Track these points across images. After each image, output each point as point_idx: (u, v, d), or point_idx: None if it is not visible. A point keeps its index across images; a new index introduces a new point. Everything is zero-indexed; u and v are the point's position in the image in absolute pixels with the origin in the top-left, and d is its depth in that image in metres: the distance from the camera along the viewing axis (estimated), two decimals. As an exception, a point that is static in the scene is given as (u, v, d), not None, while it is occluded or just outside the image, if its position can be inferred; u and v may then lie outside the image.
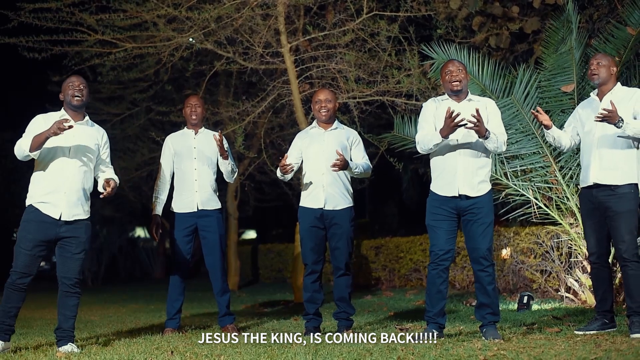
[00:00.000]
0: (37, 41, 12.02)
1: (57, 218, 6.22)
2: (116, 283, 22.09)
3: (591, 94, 6.90)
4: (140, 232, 33.10)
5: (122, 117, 17.76)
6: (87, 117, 6.48)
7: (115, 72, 13.72)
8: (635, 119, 6.50)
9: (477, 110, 6.27)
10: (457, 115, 6.21)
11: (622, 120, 6.34)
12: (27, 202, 6.30)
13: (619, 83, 6.76)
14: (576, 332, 6.60)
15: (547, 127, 6.84)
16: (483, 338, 6.23)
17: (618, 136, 6.52)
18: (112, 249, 24.92)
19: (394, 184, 23.51)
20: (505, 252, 11.90)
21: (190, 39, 12.22)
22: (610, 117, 6.32)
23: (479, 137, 6.34)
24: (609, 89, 6.72)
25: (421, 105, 10.62)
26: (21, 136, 6.27)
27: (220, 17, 11.48)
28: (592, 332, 6.55)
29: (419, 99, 11.49)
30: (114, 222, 25.38)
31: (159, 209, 7.85)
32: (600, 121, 6.43)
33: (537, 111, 6.86)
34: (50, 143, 6.20)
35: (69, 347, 6.20)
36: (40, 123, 6.31)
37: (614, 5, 11.59)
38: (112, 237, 25.10)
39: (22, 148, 6.18)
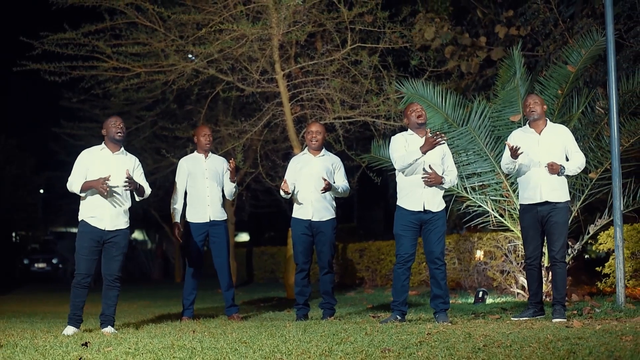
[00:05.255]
0: (57, 66, 13.58)
1: (103, 229, 7.90)
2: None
3: (527, 125, 8.51)
4: (137, 235, 34.41)
5: (128, 130, 19.25)
6: (122, 148, 8.13)
7: (126, 93, 15.25)
8: (567, 156, 8.26)
9: (430, 166, 7.93)
10: (436, 133, 7.88)
11: (564, 168, 8.13)
12: (80, 218, 7.99)
13: (547, 119, 8.43)
14: (512, 319, 8.25)
15: (517, 157, 8.24)
16: (435, 322, 7.88)
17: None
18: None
19: (380, 191, 24.92)
20: (479, 254, 13.51)
21: (192, 57, 13.79)
22: (555, 171, 8.08)
23: (437, 185, 8.00)
24: (543, 124, 8.37)
25: (399, 126, 12.32)
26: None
27: (222, 49, 13.09)
28: (524, 319, 8.18)
29: (396, 120, 13.06)
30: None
31: (178, 218, 9.46)
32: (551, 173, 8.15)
33: (512, 146, 8.22)
34: (95, 173, 7.87)
35: (109, 329, 7.88)
36: (85, 158, 8.01)
37: (566, 39, 13.25)
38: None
39: (73, 189, 7.91)
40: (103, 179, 7.72)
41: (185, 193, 9.56)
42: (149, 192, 8.29)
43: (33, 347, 6.29)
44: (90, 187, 7.82)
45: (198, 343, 6.22)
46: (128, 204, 8.09)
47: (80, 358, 5.58)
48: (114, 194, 7.94)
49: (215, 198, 9.47)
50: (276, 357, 5.45)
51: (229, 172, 9.42)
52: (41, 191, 35.83)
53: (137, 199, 8.24)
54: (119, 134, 8.00)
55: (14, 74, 14.17)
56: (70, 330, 7.80)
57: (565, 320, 7.79)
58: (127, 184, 7.84)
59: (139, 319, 9.87)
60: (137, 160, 8.29)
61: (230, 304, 9.52)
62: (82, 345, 6.28)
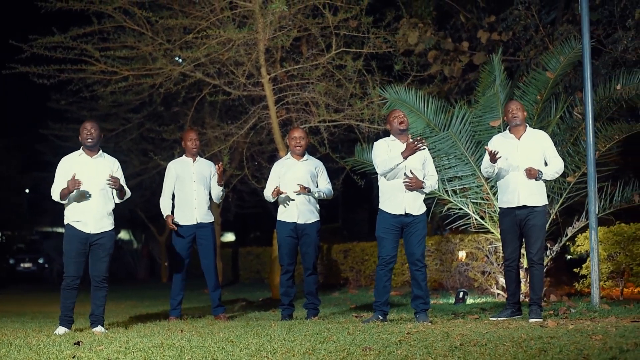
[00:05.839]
0: (46, 69, 13.75)
1: (88, 232, 8.12)
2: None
3: (507, 130, 8.77)
4: (123, 235, 34.55)
5: (116, 132, 19.47)
6: (100, 151, 8.33)
7: (114, 95, 15.45)
8: (545, 161, 8.53)
9: (412, 171, 8.19)
10: (416, 139, 8.16)
11: (542, 173, 8.40)
12: (65, 222, 8.23)
13: (527, 124, 8.69)
14: (490, 319, 8.51)
15: (496, 162, 8.50)
16: (416, 322, 8.14)
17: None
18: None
19: (364, 193, 25.17)
20: (462, 255, 13.77)
21: (179, 60, 14.00)
22: (532, 176, 8.34)
23: (418, 189, 8.25)
24: (523, 129, 8.63)
25: (382, 129, 12.55)
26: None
27: (208, 53, 13.31)
28: (502, 319, 8.44)
29: (380, 124, 13.31)
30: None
31: (168, 211, 9.69)
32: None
33: (491, 151, 8.48)
34: (77, 177, 8.03)
35: (99, 329, 8.10)
36: (64, 165, 8.22)
37: (546, 45, 13.54)
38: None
39: (54, 198, 8.17)
40: (72, 181, 7.89)
41: (173, 195, 9.78)
42: (129, 195, 8.50)
43: (27, 346, 6.50)
44: (67, 193, 8.02)
45: (187, 342, 6.45)
46: (112, 206, 8.30)
47: (74, 356, 5.80)
48: (97, 196, 8.14)
49: (202, 201, 9.70)
50: (262, 355, 5.69)
51: (216, 175, 9.65)
52: (27, 191, 35.94)
53: (117, 200, 8.41)
54: (89, 140, 8.18)
55: (3, 75, 14.31)
56: (61, 330, 8.00)
57: (541, 320, 8.05)
58: (110, 181, 8.05)
59: (127, 319, 10.10)
60: (117, 162, 8.49)
61: (217, 304, 9.76)
62: (75, 344, 6.50)
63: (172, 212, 9.73)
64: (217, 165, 9.61)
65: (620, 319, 7.73)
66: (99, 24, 13.72)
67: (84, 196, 8.09)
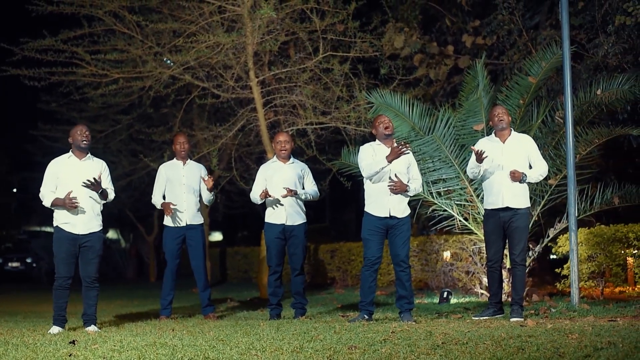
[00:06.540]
0: (37, 72, 13.91)
1: (77, 233, 8.33)
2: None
3: (492, 134, 9.01)
4: (111, 235, 34.61)
5: (105, 133, 19.61)
6: (89, 154, 8.53)
7: (104, 97, 15.61)
8: (530, 164, 8.77)
9: (396, 175, 8.42)
10: (401, 143, 8.40)
11: (525, 175, 8.65)
12: (54, 224, 8.43)
13: (511, 128, 8.93)
14: (473, 318, 8.75)
15: (482, 162, 8.74)
16: (400, 321, 8.37)
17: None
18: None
19: (352, 194, 25.35)
20: (446, 255, 14.01)
21: (169, 62, 14.17)
22: (516, 178, 8.58)
23: (402, 192, 8.48)
24: (508, 133, 8.87)
25: (369, 132, 12.76)
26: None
27: (198, 57, 13.50)
28: (484, 318, 8.69)
29: (366, 126, 13.53)
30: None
31: (163, 201, 9.90)
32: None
33: (477, 151, 8.72)
34: (64, 179, 8.31)
35: (93, 328, 8.32)
36: (53, 168, 8.44)
37: (529, 49, 13.78)
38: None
39: (45, 203, 8.38)
40: (69, 199, 8.15)
41: (164, 197, 9.99)
42: (112, 197, 8.67)
43: (24, 344, 6.70)
44: (61, 205, 8.25)
45: (178, 341, 6.67)
46: (99, 207, 8.52)
47: (70, 355, 6.00)
48: (85, 198, 8.32)
49: (191, 203, 9.92)
50: (251, 353, 5.90)
51: (207, 180, 9.85)
52: (14, 190, 35.98)
53: (99, 201, 8.56)
54: (84, 141, 8.41)
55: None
56: (55, 329, 8.21)
57: (522, 319, 8.28)
58: (87, 183, 8.22)
59: (118, 318, 10.31)
60: (105, 164, 8.70)
61: (206, 303, 9.99)
62: (70, 343, 6.71)
63: (162, 215, 9.93)
64: (207, 179, 9.83)
65: (598, 319, 7.99)
66: (89, 27, 13.89)
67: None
